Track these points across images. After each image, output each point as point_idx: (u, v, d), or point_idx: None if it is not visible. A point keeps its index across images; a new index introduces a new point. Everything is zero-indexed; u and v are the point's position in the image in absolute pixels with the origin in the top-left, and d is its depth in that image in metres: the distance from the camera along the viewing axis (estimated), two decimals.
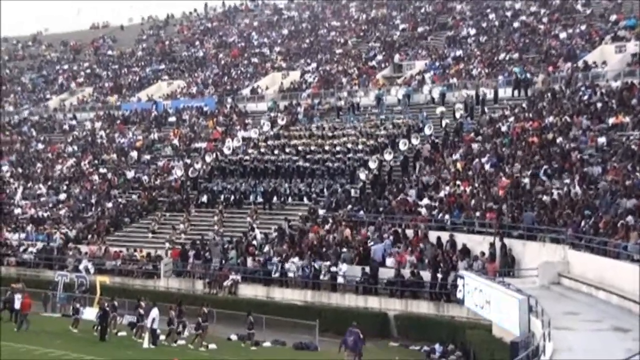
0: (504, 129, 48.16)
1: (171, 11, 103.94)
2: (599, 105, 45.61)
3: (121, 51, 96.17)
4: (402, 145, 51.75)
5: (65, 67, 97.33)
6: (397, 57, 69.74)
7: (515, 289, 27.76)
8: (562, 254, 32.63)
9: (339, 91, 65.78)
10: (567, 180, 37.40)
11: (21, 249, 57.18)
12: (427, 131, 53.31)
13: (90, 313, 42.58)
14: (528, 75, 55.95)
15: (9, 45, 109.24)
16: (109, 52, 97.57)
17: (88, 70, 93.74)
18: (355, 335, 31.50)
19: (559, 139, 42.38)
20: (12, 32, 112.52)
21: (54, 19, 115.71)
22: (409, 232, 41.85)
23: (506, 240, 36.24)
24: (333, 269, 41.57)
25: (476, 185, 42.07)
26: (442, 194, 43.22)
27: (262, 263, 44.78)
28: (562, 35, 61.31)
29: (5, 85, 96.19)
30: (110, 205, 59.34)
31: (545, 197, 36.90)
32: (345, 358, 31.41)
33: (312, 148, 55.31)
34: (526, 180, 39.55)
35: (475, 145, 47.08)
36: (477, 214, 39.14)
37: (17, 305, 42.58)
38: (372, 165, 50.09)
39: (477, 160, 45.17)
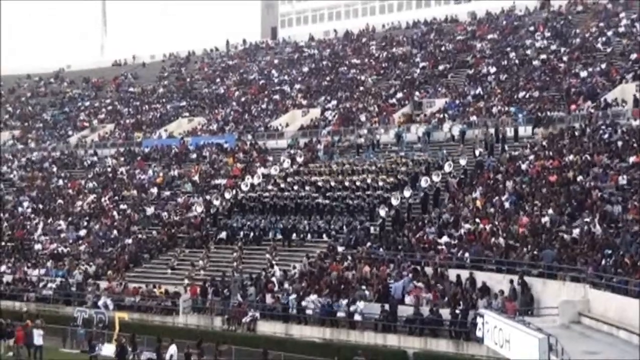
0: (523, 167, 48.09)
1: (192, 48, 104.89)
2: (620, 143, 45.50)
3: (142, 88, 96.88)
4: (424, 182, 51.65)
5: (87, 103, 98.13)
6: (417, 94, 69.94)
7: (535, 328, 27.56)
8: (583, 292, 32.42)
9: (359, 128, 65.94)
10: (588, 219, 37.22)
11: (41, 284, 57.32)
12: (447, 169, 53.26)
13: (108, 349, 42.57)
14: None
15: (31, 82, 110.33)
16: (131, 89, 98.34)
17: (109, 107, 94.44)
18: None
19: (579, 178, 42.27)
20: (35, 68, 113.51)
21: (77, 54, 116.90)
22: (429, 270, 41.71)
23: (526, 279, 36.05)
24: (352, 307, 41.31)
25: (496, 223, 41.97)
26: (461, 231, 43.12)
27: (281, 300, 44.65)
28: (583, 73, 61.28)
29: (27, 121, 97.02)
30: (129, 241, 59.45)
31: (565, 236, 36.74)
32: None
33: (332, 185, 55.28)
34: (546, 218, 39.45)
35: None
36: (497, 251, 39.01)
37: (36, 341, 42.89)
38: (395, 202, 49.99)
39: (496, 198, 45.09)
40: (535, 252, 36.87)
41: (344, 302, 41.64)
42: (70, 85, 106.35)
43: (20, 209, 71.88)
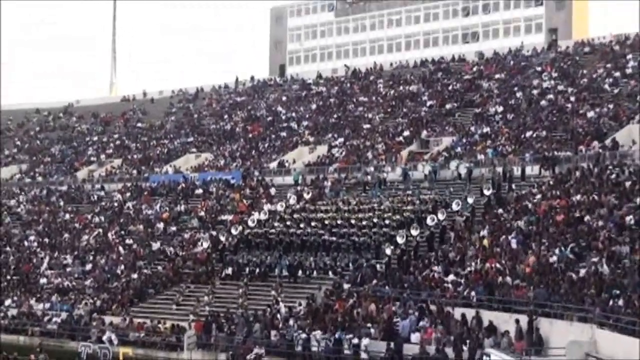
0: (530, 206, 48.02)
1: (201, 84, 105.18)
2: (627, 184, 45.45)
3: (150, 123, 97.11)
4: (430, 220, 51.58)
5: (95, 138, 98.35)
6: (424, 133, 70.01)
7: None
8: (590, 333, 32.25)
9: (366, 166, 65.98)
10: (595, 259, 37.10)
11: (45, 318, 57.21)
12: (455, 207, 53.14)
13: None
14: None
15: (40, 116, 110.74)
16: (139, 124, 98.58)
17: (117, 142, 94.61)
18: None
19: (586, 217, 42.19)
20: (44, 103, 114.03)
21: (86, 90, 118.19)
22: (434, 308, 41.54)
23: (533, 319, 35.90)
24: (355, 341, 41.09)
25: (503, 262, 41.85)
26: (468, 270, 43.01)
27: (286, 337, 44.44)
28: (590, 114, 61.33)
29: (35, 155, 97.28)
30: (135, 276, 59.38)
31: (572, 276, 36.63)
32: None
33: (338, 222, 55.21)
34: (553, 258, 39.34)
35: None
36: (504, 290, 38.89)
37: None
38: (400, 240, 49.90)
39: (503, 237, 44.99)
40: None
41: (350, 336, 41.44)
42: (78, 120, 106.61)
43: (26, 243, 71.95)
